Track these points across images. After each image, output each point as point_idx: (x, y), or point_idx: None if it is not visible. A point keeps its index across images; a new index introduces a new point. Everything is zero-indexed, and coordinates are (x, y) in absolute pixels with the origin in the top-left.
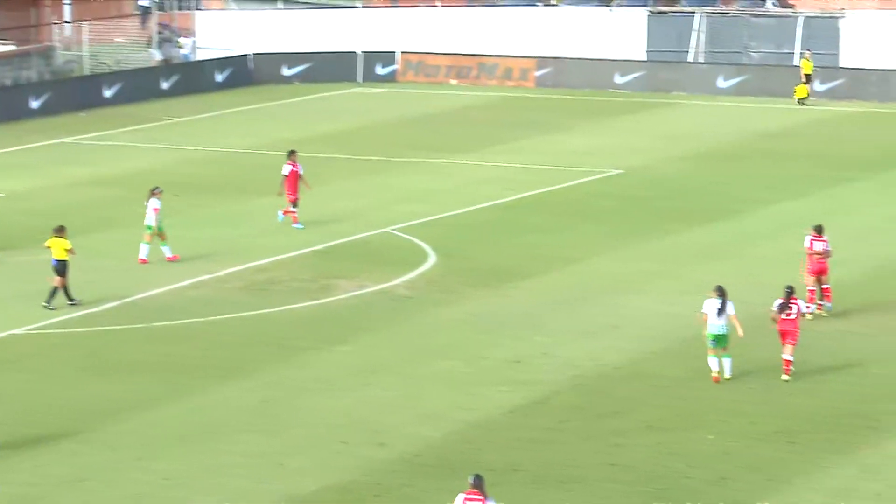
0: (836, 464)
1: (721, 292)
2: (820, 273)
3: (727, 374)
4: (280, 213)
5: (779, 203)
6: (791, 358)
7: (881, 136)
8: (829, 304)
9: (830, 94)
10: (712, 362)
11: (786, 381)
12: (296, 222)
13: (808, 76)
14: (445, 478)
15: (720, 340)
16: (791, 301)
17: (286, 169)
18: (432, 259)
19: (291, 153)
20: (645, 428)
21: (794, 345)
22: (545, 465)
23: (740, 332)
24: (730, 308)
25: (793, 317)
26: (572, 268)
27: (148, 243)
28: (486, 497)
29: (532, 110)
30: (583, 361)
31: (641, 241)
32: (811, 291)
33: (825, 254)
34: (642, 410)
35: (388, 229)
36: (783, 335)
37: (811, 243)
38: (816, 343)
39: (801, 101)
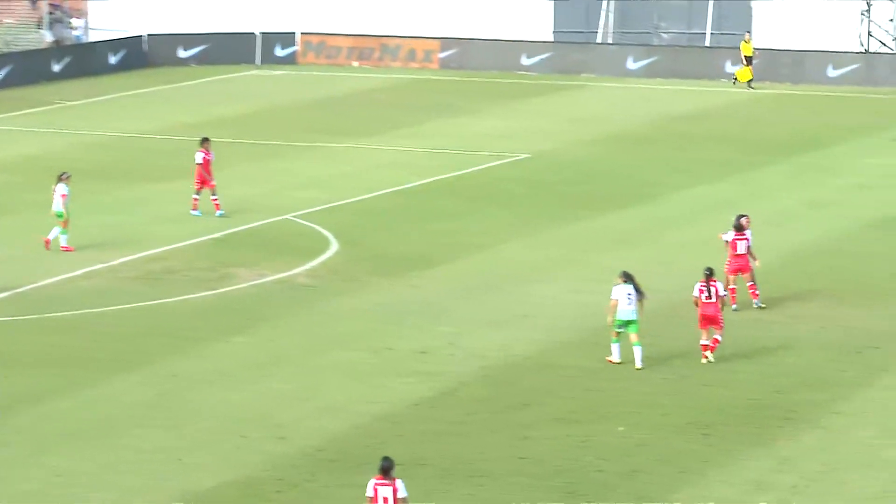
0: (752, 456)
1: (628, 277)
2: (740, 271)
3: (638, 364)
4: (192, 210)
5: (692, 187)
6: (718, 338)
7: (795, 119)
8: (756, 301)
9: None
10: (616, 350)
11: (706, 363)
12: (218, 209)
13: (748, 58)
14: (349, 472)
15: (631, 326)
16: (710, 283)
17: (199, 156)
18: (334, 247)
19: (204, 140)
20: (554, 420)
21: (719, 328)
22: (453, 459)
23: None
24: (640, 292)
25: (713, 300)
26: (480, 255)
27: (65, 230)
28: (395, 481)
29: (437, 93)
30: (491, 352)
31: (551, 228)
32: (732, 290)
33: (749, 254)
34: (552, 402)
35: (288, 216)
36: (703, 320)
37: (734, 244)
38: (731, 332)
39: (749, 83)
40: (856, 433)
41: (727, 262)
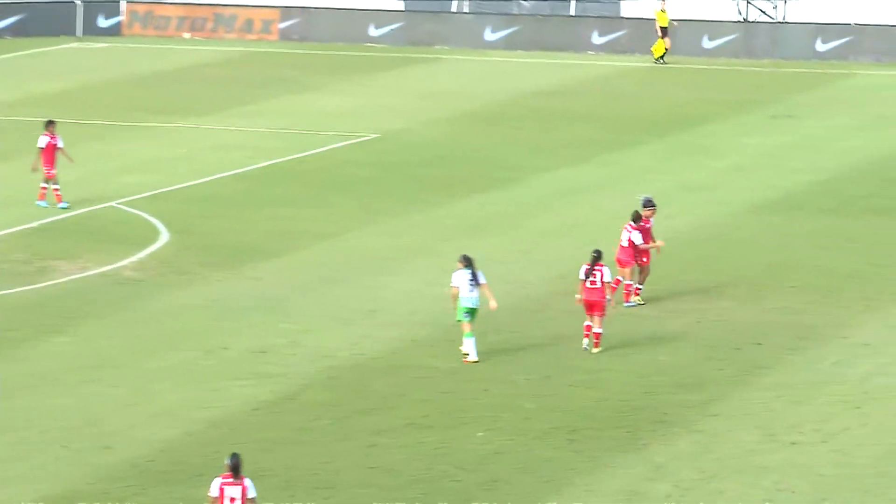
0: (621, 463)
1: (468, 261)
2: (628, 265)
3: (473, 357)
4: (39, 200)
5: (555, 170)
6: (600, 330)
7: (667, 94)
8: (627, 303)
9: (610, 48)
10: (470, 345)
11: (585, 350)
12: (60, 201)
13: (664, 29)
14: (182, 485)
15: (474, 314)
16: (596, 267)
17: (42, 140)
18: (164, 237)
19: (49, 123)
20: (407, 426)
21: (602, 316)
22: (296, 469)
23: (493, 303)
24: (481, 278)
25: (598, 285)
26: (324, 245)
27: None
28: (244, 480)
29: (277, 67)
30: (336, 351)
31: (402, 214)
32: (627, 286)
33: (651, 245)
34: (404, 406)
35: (113, 203)
36: (588, 306)
37: (630, 239)
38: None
39: (660, 58)
40: (735, 437)
41: (618, 254)
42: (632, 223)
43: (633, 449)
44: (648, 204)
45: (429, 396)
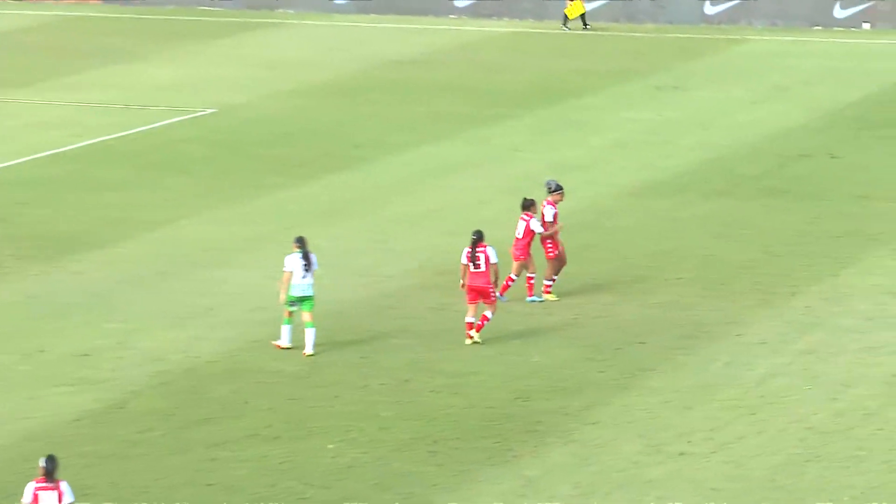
0: (489, 477)
1: (302, 243)
2: (521, 259)
3: (309, 350)
4: None
5: (415, 148)
6: (488, 315)
7: (538, 63)
8: (503, 297)
9: (475, 11)
10: (286, 332)
11: (471, 343)
12: None
13: None
14: None
15: (305, 303)
16: (479, 249)
17: None
18: None
19: None
20: (248, 437)
21: (490, 303)
22: (124, 487)
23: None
24: (314, 262)
25: (482, 269)
26: (155, 234)
27: None
28: (60, 484)
29: (100, 34)
30: (169, 354)
31: (242, 199)
32: (529, 279)
33: (528, 238)
34: (245, 415)
35: None
36: (471, 293)
37: (527, 229)
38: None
39: (580, 18)
40: (616, 448)
41: (514, 249)
42: (526, 213)
43: (502, 461)
44: (557, 189)
45: (273, 404)
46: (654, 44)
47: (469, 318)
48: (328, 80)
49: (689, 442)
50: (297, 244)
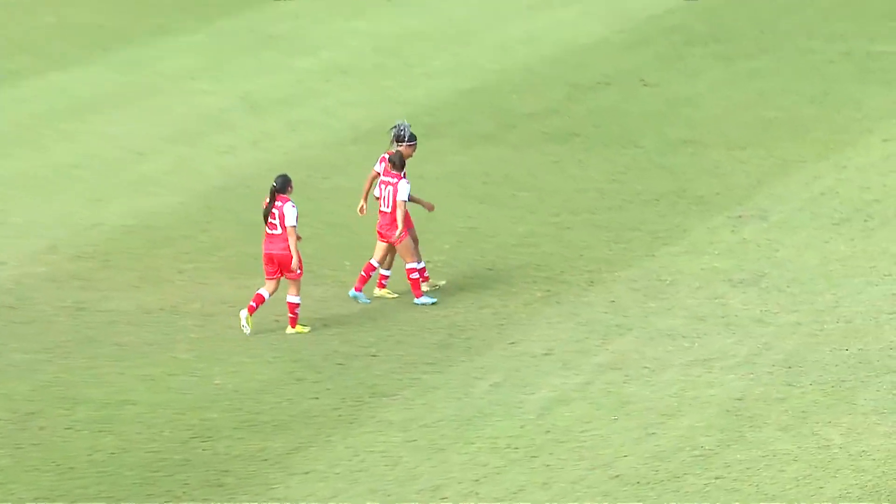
0: None
1: None
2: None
3: None
4: None
5: (36, 77)
6: (293, 300)
7: None
8: (360, 294)
9: None
10: None
11: (248, 332)
12: None
13: None
14: None
15: None
16: (275, 204)
17: None
18: None
19: None
20: None
21: (293, 279)
22: None
23: None
24: None
25: (278, 231)
26: None
27: None
28: None
29: None
30: None
31: None
32: (369, 269)
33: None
34: None
35: None
36: (267, 262)
37: (395, 197)
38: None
39: None
40: None
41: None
42: (392, 170)
43: None
44: (411, 138)
45: None
46: None
47: (262, 290)
48: None
49: (443, 500)
50: None
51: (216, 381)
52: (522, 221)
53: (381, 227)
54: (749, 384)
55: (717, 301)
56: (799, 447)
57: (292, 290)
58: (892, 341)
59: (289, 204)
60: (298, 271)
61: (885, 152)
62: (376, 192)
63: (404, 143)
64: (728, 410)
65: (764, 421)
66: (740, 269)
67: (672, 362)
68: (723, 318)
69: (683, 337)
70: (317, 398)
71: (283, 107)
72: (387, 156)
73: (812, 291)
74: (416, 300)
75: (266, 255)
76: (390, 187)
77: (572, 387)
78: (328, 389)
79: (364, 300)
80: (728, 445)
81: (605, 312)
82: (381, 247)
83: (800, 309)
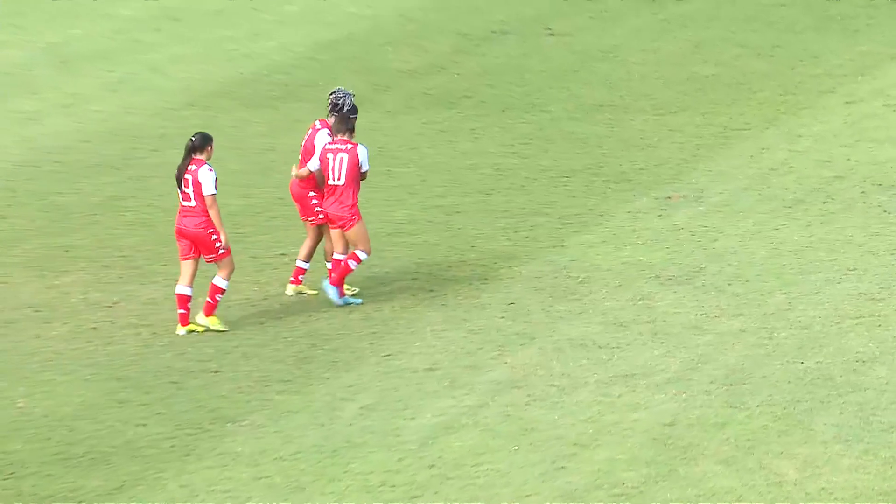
0: None
1: None
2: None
3: None
4: None
5: None
6: (223, 283)
7: None
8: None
9: None
10: None
11: (184, 334)
12: None
13: None
14: None
15: None
16: (187, 168)
17: None
18: None
19: None
20: None
21: (218, 260)
22: None
23: None
24: None
25: (192, 202)
26: None
27: None
28: None
29: None
30: None
31: None
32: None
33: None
34: None
35: None
36: (179, 238)
37: (353, 166)
38: None
39: None
40: None
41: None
42: (338, 135)
43: None
44: (354, 110)
45: None
46: None
47: (181, 289)
48: None
49: None
50: None
51: (19, 404)
52: (400, 205)
53: (328, 206)
54: (682, 406)
55: (641, 303)
56: (744, 484)
57: (222, 272)
58: (857, 353)
59: (204, 168)
60: (222, 251)
61: (848, 118)
62: (312, 167)
63: (347, 114)
64: (655, 439)
65: (700, 452)
66: (671, 262)
67: (586, 379)
68: (649, 323)
69: (600, 348)
70: (144, 425)
71: (101, 62)
72: (318, 124)
73: (759, 291)
74: (336, 299)
75: (177, 230)
76: (343, 154)
77: (462, 410)
78: (159, 414)
79: (354, 301)
80: (656, 482)
81: (503, 317)
82: (337, 233)
83: (744, 312)
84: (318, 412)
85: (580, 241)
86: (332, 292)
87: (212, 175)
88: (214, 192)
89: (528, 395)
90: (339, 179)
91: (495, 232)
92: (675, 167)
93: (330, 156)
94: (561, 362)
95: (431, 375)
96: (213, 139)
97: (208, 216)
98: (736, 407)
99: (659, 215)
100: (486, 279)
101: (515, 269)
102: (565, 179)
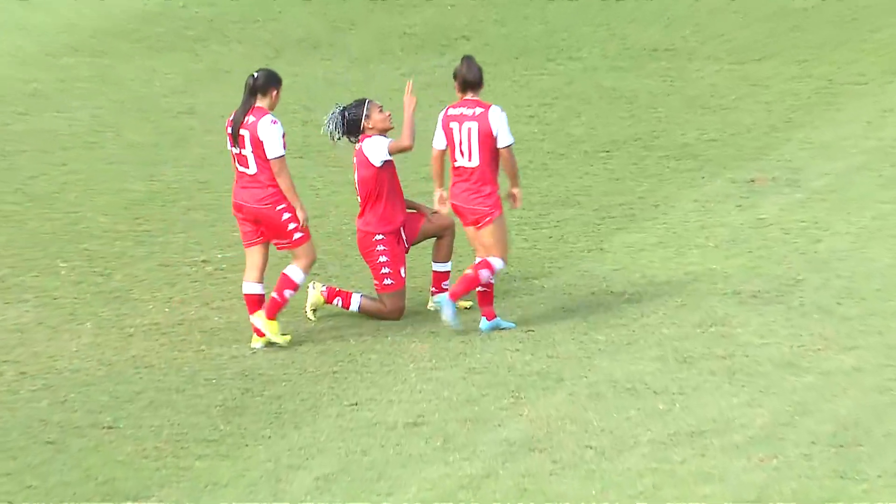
0: None
1: None
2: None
3: None
4: None
5: None
6: (296, 278)
7: None
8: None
9: None
10: None
11: (268, 337)
12: None
13: None
14: None
15: None
16: (245, 120)
17: None
18: None
19: None
20: None
21: (295, 246)
22: None
23: None
24: None
25: (251, 171)
26: None
27: None
28: None
29: None
30: None
31: None
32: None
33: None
34: None
35: None
36: (240, 217)
37: (448, 130)
38: None
39: None
40: None
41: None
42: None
43: None
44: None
45: None
46: None
47: (249, 287)
48: None
49: None
50: None
51: None
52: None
53: (456, 196)
54: (772, 477)
55: (713, 330)
56: None
57: (298, 261)
58: None
59: (266, 119)
60: (297, 235)
61: None
62: (436, 145)
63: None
64: None
65: None
66: (755, 273)
67: (636, 438)
68: (724, 359)
69: (655, 393)
70: None
71: None
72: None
73: (881, 313)
74: (452, 319)
75: (235, 205)
76: (471, 123)
77: (460, 482)
78: (29, 488)
79: (507, 325)
80: None
81: (517, 350)
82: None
83: (860, 344)
84: (256, 485)
85: (626, 241)
86: (448, 311)
87: (278, 130)
88: (283, 152)
89: (554, 461)
90: (469, 159)
91: (507, 228)
92: (760, 138)
93: (455, 125)
94: (600, 414)
95: (416, 432)
96: (282, 81)
97: (277, 187)
98: (848, 478)
99: (738, 206)
100: (493, 295)
101: (535, 281)
102: (604, 155)
